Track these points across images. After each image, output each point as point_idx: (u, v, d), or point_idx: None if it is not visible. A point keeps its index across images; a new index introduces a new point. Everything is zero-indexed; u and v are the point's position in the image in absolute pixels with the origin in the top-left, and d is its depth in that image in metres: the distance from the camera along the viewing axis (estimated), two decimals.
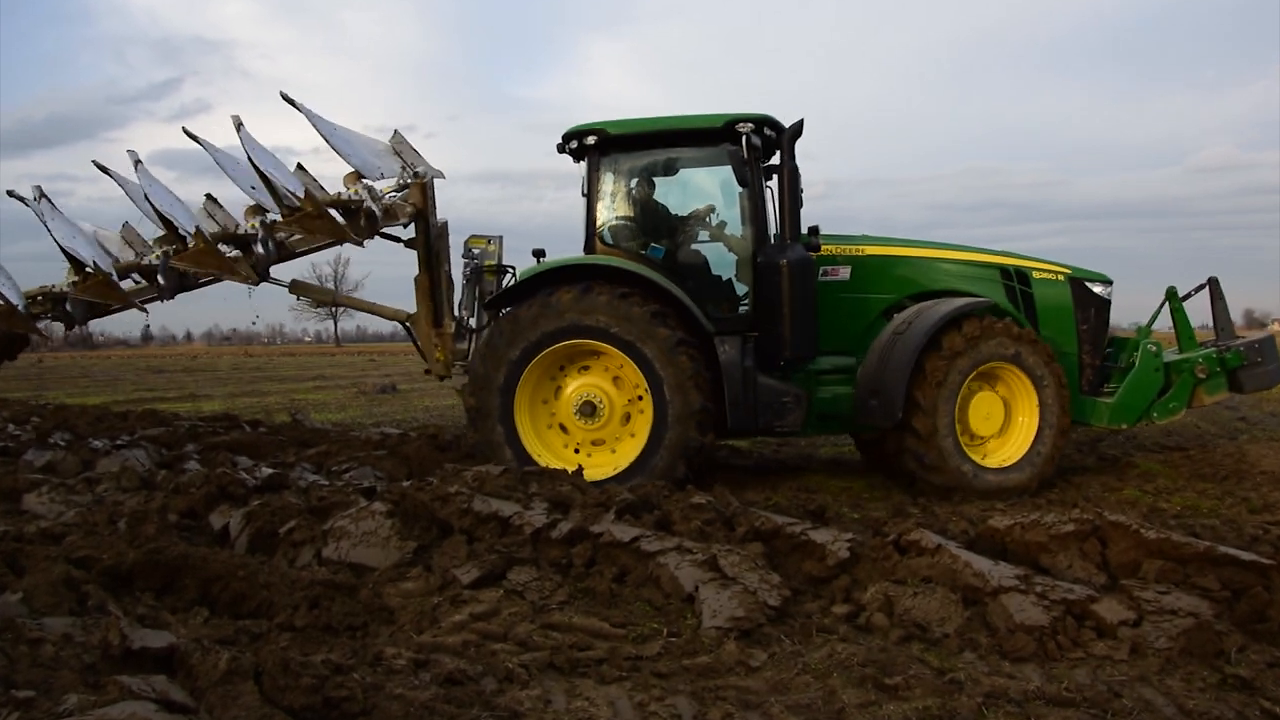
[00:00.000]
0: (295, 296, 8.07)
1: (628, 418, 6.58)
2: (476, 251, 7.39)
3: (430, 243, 7.42)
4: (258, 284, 7.72)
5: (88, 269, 7.44)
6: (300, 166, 7.22)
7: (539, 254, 7.29)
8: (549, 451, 6.55)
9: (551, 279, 6.50)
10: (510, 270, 7.54)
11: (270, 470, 6.39)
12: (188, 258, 7.29)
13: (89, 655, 2.63)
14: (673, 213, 7.25)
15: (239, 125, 6.94)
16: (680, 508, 4.78)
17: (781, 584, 3.64)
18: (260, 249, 7.31)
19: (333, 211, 7.14)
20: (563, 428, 6.66)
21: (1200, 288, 7.17)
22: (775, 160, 6.94)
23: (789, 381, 6.61)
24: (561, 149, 7.21)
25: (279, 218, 7.10)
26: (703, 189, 7.41)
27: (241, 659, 2.50)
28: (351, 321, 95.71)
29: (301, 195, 6.84)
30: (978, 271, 7.18)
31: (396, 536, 4.36)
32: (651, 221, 7.13)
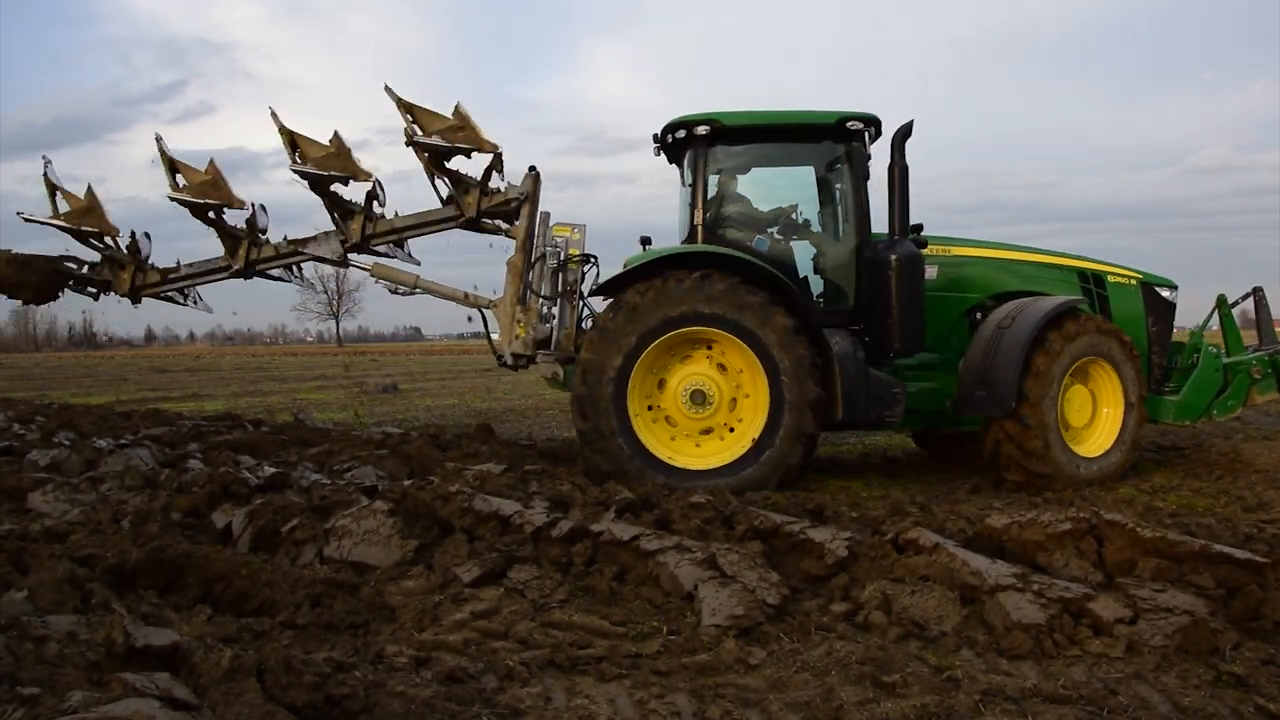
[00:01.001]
0: (377, 282, 8.04)
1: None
2: (560, 240, 7.31)
3: (532, 228, 7.48)
4: (344, 264, 7.93)
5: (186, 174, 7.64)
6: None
7: (645, 241, 7.51)
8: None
9: (662, 267, 6.50)
10: (593, 259, 7.44)
11: (272, 469, 6.42)
12: (313, 160, 7.39)
13: (93, 653, 2.66)
14: (768, 207, 7.39)
15: (388, 92, 7.22)
16: (679, 506, 4.81)
17: (780, 582, 3.66)
18: (368, 218, 7.60)
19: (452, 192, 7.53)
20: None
21: (1246, 296, 7.75)
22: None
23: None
24: (661, 138, 7.26)
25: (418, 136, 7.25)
26: (794, 184, 7.50)
27: (244, 657, 2.52)
28: (353, 322, 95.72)
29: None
30: (1057, 274, 7.42)
31: (398, 535, 4.38)
32: (755, 213, 7.28)
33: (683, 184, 7.26)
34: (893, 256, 6.63)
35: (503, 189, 7.54)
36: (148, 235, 8.31)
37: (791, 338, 6.30)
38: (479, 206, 7.48)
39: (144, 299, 8.53)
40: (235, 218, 8.12)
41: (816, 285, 7.09)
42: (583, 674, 2.96)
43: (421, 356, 49.49)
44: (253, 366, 38.40)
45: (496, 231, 7.77)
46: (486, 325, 7.66)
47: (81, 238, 8.17)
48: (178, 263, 8.45)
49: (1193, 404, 7.18)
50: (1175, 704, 2.68)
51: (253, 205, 7.89)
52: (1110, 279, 7.55)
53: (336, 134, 7.41)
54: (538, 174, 7.55)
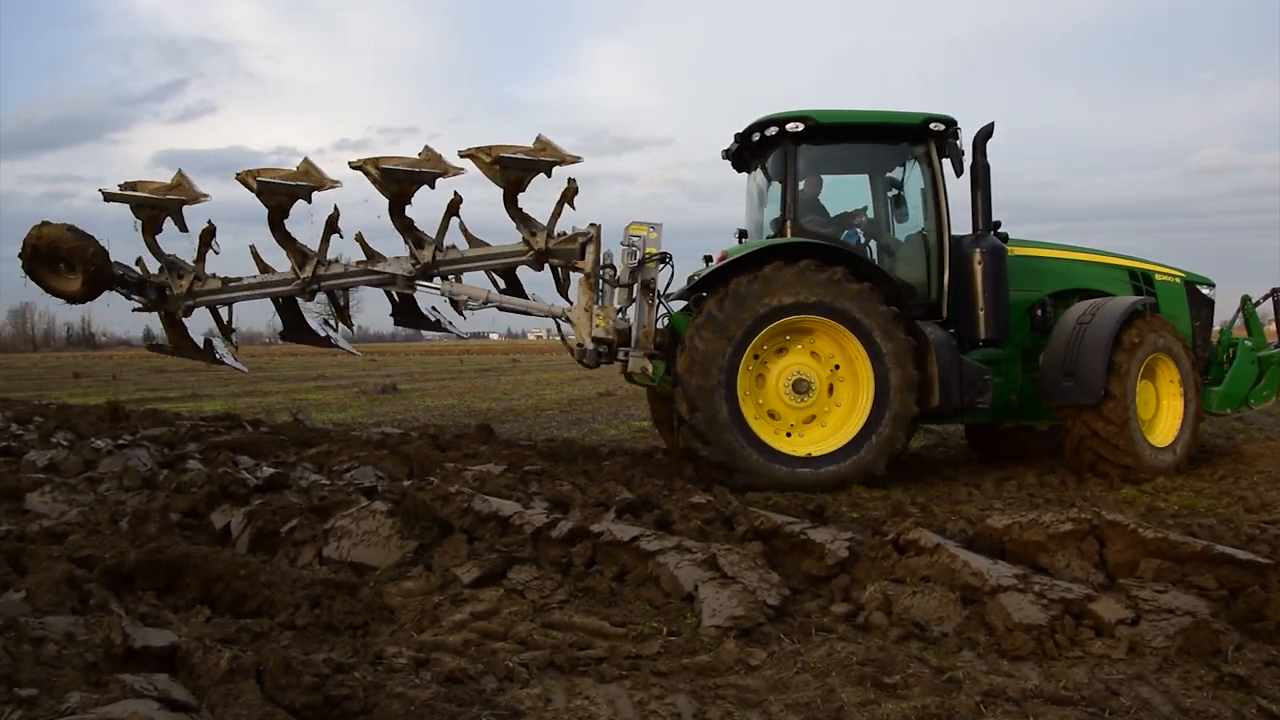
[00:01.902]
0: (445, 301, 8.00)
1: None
2: (637, 239, 7.26)
3: (598, 258, 7.56)
4: (411, 289, 7.91)
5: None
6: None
7: (742, 234, 7.82)
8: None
9: (760, 259, 6.63)
10: (668, 257, 7.40)
11: (271, 470, 6.42)
12: (401, 161, 7.45)
13: (91, 654, 2.65)
14: (851, 203, 7.65)
15: (462, 155, 7.28)
16: (680, 507, 4.80)
17: (781, 583, 3.65)
18: (439, 247, 7.65)
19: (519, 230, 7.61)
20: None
21: (1266, 297, 8.35)
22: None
23: None
24: (744, 136, 7.40)
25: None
26: (877, 181, 7.67)
27: (243, 658, 2.51)
28: (354, 321, 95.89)
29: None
30: (1110, 273, 7.77)
31: (397, 536, 4.38)
32: (840, 209, 7.54)
33: (768, 181, 7.53)
34: (979, 250, 7.04)
35: (569, 231, 7.62)
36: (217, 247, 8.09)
37: (893, 324, 6.51)
38: (547, 244, 7.57)
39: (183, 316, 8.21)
40: (303, 228, 8.01)
41: (903, 279, 7.24)
42: (583, 675, 2.95)
43: (421, 357, 49.52)
44: (252, 366, 38.32)
45: (566, 265, 7.80)
46: (560, 330, 7.72)
47: (159, 219, 7.84)
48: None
49: (1233, 394, 7.72)
50: (1177, 705, 2.67)
51: (335, 206, 7.79)
52: (1158, 278, 7.90)
53: (428, 147, 7.54)
54: (599, 226, 7.66)
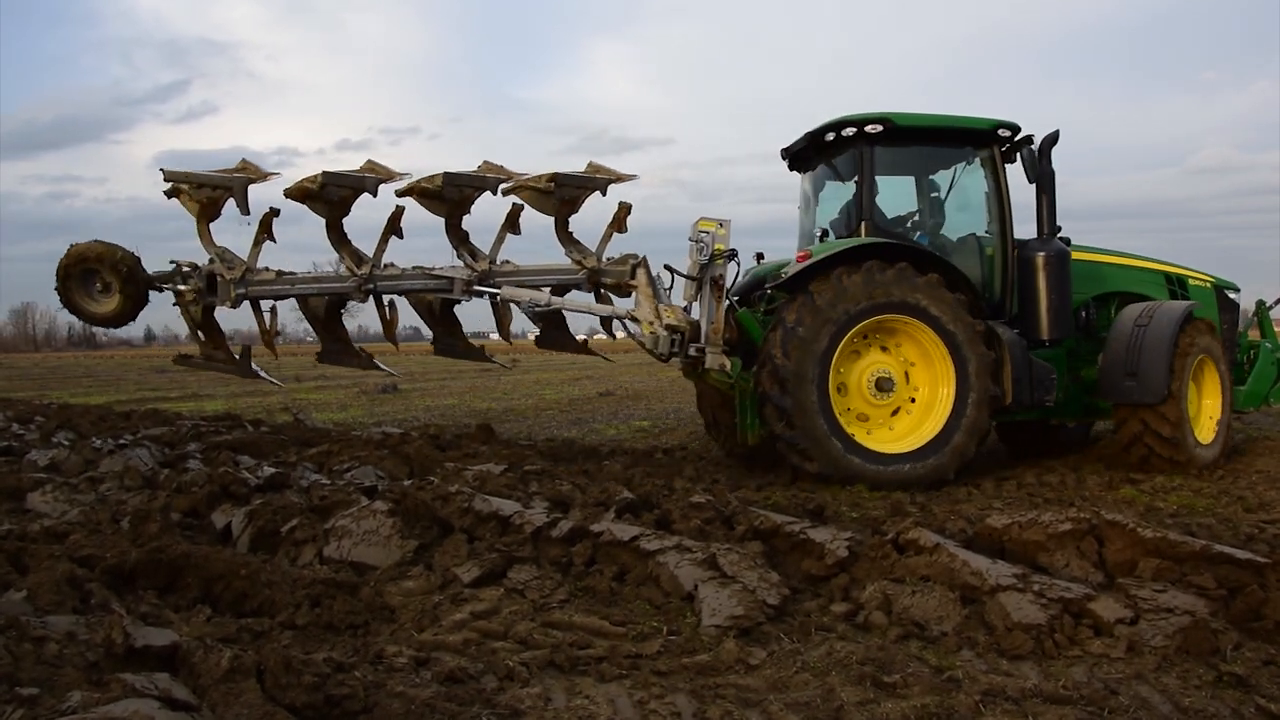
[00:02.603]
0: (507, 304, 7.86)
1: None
2: (706, 235, 7.16)
3: (651, 275, 7.55)
4: (468, 295, 7.77)
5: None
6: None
7: (823, 234, 7.89)
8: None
9: (840, 261, 6.70)
10: (735, 254, 7.37)
11: (272, 469, 6.42)
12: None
13: (92, 653, 2.65)
14: (911, 204, 7.81)
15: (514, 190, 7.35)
16: (680, 507, 4.81)
17: (780, 583, 3.66)
18: (492, 261, 7.63)
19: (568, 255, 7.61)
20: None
21: (1279, 300, 8.92)
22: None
23: None
24: (817, 136, 7.45)
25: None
26: (943, 183, 7.78)
27: (243, 657, 2.51)
28: (353, 322, 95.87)
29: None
30: (1149, 277, 8.09)
31: (398, 535, 4.38)
32: (904, 211, 7.71)
33: (828, 182, 7.70)
34: (1043, 253, 7.27)
35: (618, 255, 7.62)
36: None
37: (964, 312, 6.67)
38: (599, 264, 7.56)
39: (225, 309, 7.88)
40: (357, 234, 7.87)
41: (972, 281, 7.32)
42: (583, 674, 2.96)
43: (421, 357, 49.44)
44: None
45: (613, 290, 7.73)
46: (629, 330, 7.66)
47: (219, 203, 7.51)
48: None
49: (1256, 392, 8.19)
50: (1176, 704, 2.68)
51: (398, 206, 7.59)
52: (1191, 282, 8.24)
53: (487, 161, 7.62)
54: (646, 256, 7.65)
